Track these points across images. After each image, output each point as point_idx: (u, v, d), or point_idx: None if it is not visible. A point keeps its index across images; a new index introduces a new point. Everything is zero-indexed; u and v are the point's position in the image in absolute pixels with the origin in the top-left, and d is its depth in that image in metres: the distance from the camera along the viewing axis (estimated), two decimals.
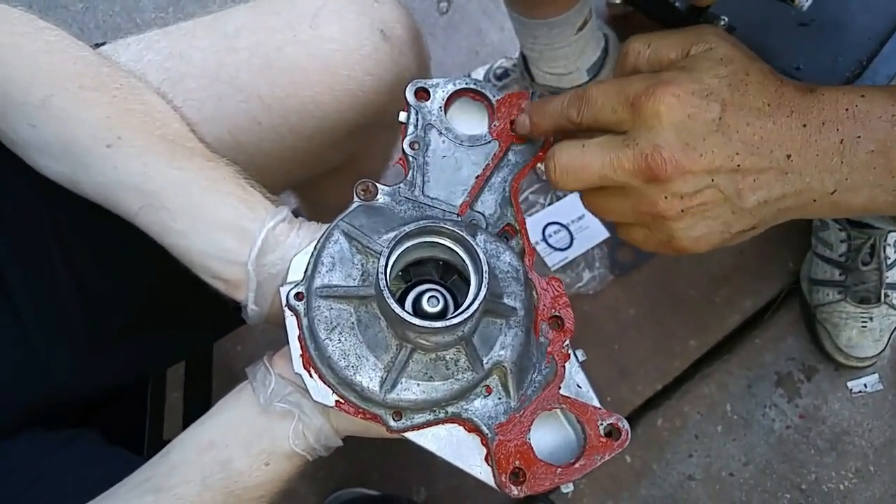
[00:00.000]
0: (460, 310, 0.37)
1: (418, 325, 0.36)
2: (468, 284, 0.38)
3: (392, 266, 0.39)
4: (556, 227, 1.09)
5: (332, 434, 0.43)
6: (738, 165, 0.36)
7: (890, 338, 1.01)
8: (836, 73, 0.55)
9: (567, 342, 0.41)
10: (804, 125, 0.36)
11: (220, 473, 0.42)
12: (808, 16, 0.43)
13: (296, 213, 0.47)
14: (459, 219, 0.44)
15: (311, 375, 0.40)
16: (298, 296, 0.40)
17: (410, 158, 0.45)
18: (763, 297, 1.08)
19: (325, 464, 1.01)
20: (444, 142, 0.45)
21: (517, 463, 0.39)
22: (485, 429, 0.39)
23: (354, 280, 0.40)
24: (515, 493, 0.38)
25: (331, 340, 0.39)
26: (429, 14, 1.22)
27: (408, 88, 0.45)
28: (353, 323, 0.39)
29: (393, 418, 0.39)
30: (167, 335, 0.60)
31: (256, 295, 0.44)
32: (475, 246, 0.38)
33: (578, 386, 0.41)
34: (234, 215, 0.44)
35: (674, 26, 0.42)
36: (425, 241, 0.39)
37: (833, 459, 1.02)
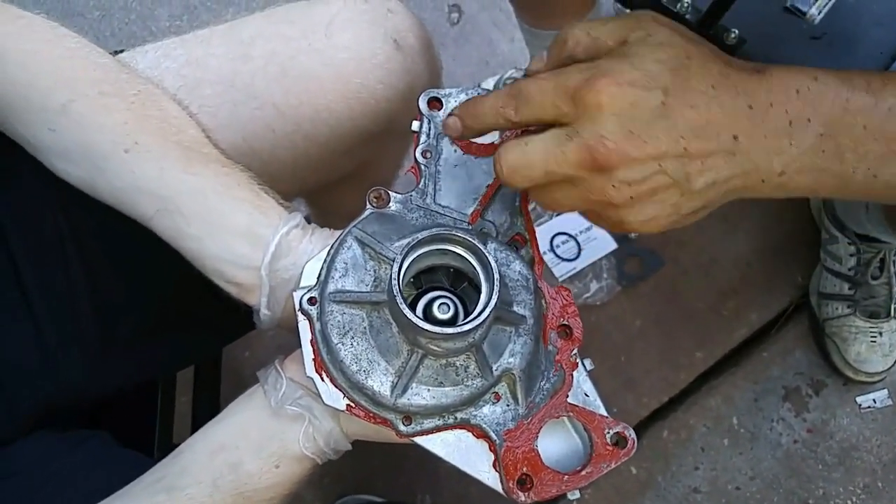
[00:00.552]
0: (472, 316, 0.37)
1: (430, 331, 0.37)
2: (478, 292, 0.39)
3: (404, 272, 0.39)
4: (563, 238, 1.10)
5: (342, 438, 0.44)
6: (685, 149, 0.36)
7: None
8: None
9: (575, 351, 0.42)
10: (750, 106, 0.36)
11: (230, 475, 0.42)
12: (820, 29, 0.43)
13: (308, 220, 0.47)
14: (470, 227, 0.44)
15: (322, 379, 0.41)
16: (311, 300, 0.41)
17: (422, 167, 0.45)
18: (771, 311, 1.07)
19: (331, 470, 1.02)
20: (455, 151, 0.46)
21: (524, 469, 0.39)
22: (493, 435, 0.40)
23: (367, 286, 0.41)
24: (523, 499, 0.39)
25: (343, 345, 0.40)
26: (440, 25, 1.23)
27: (420, 98, 0.46)
28: (365, 328, 0.40)
29: (403, 423, 0.40)
30: (178, 339, 0.61)
31: (269, 300, 0.45)
32: (486, 254, 0.38)
33: (586, 395, 0.41)
34: (247, 221, 0.45)
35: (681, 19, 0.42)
36: (437, 249, 0.40)
37: (841, 475, 1.01)
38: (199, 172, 0.46)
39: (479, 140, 0.46)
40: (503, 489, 0.39)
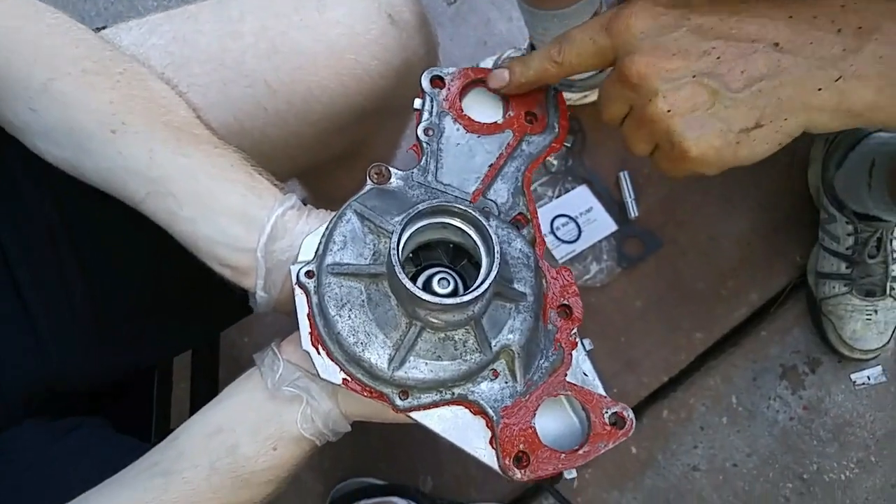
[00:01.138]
0: (472, 288, 0.37)
1: (430, 302, 0.37)
2: (478, 270, 0.39)
3: (404, 246, 0.39)
4: (564, 220, 1.10)
5: (341, 418, 0.43)
6: (718, 57, 0.36)
7: (894, 331, 1.01)
8: None
9: (575, 330, 0.42)
10: (790, 16, 0.36)
11: (227, 458, 0.42)
12: None
13: (304, 203, 0.47)
14: (472, 204, 0.44)
15: (319, 353, 0.40)
16: (309, 274, 0.41)
17: (424, 144, 0.45)
18: (770, 290, 1.08)
19: (332, 454, 1.02)
20: (458, 129, 0.46)
21: (521, 447, 0.39)
22: (490, 412, 0.40)
23: (366, 259, 0.41)
24: (518, 476, 0.39)
25: (340, 317, 0.39)
26: (437, 4, 1.22)
27: (423, 76, 0.46)
28: (363, 300, 0.40)
29: (399, 397, 0.40)
30: (173, 324, 0.60)
31: (265, 282, 0.44)
32: (487, 226, 0.38)
33: (585, 374, 0.41)
34: (242, 202, 0.44)
35: None
36: (437, 222, 0.40)
37: (835, 450, 1.02)
38: (190, 154, 0.44)
39: (482, 119, 0.46)
40: (499, 466, 0.39)
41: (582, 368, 0.41)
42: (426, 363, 0.39)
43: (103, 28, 0.55)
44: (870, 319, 0.99)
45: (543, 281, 0.43)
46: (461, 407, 0.40)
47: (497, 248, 0.37)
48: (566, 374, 0.41)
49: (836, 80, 0.35)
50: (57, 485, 0.46)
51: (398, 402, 0.40)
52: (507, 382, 0.40)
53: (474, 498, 1.00)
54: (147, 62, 0.49)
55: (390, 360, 0.39)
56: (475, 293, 0.37)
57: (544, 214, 1.09)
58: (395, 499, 0.92)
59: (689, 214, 1.10)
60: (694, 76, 0.37)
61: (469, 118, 0.46)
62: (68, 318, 0.53)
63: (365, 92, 0.56)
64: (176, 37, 0.53)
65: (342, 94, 0.55)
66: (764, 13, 0.36)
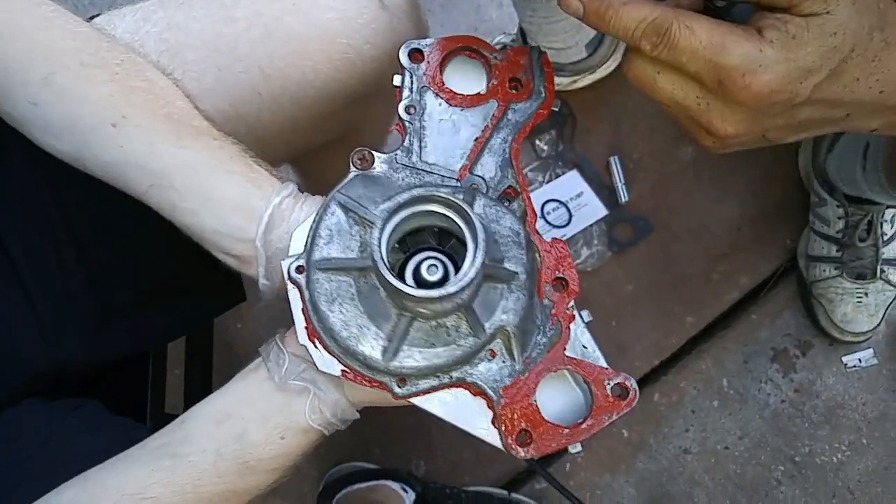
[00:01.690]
0: (456, 278, 0.37)
1: (415, 296, 0.37)
2: (466, 247, 0.38)
3: (388, 238, 0.39)
4: (554, 205, 1.09)
5: (349, 407, 0.44)
6: (802, 126, 0.37)
7: (885, 313, 1.01)
8: None
9: (572, 303, 0.41)
10: (881, 91, 0.36)
11: (234, 444, 0.42)
12: None
13: (300, 189, 0.47)
14: (458, 184, 0.43)
15: (316, 346, 0.40)
16: (299, 269, 0.41)
17: (407, 123, 0.44)
18: (760, 274, 1.08)
19: (327, 439, 1.02)
20: (440, 104, 0.44)
21: (523, 425, 0.39)
22: (490, 392, 0.39)
23: (353, 251, 0.41)
24: (522, 454, 0.39)
25: (332, 312, 0.39)
26: None
27: (401, 50, 0.45)
28: (353, 294, 0.40)
29: (398, 385, 0.40)
30: (170, 310, 0.61)
31: (266, 270, 0.45)
32: (469, 212, 0.37)
33: (584, 347, 0.41)
34: (241, 193, 0.45)
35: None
36: (420, 211, 0.39)
37: (827, 433, 1.03)
38: (190, 146, 0.45)
39: (464, 90, 0.45)
40: (502, 445, 0.39)
41: (581, 341, 0.41)
42: (420, 351, 0.39)
43: (97, 15, 0.54)
44: (860, 302, 0.99)
45: (536, 255, 0.42)
46: (461, 389, 0.40)
47: (481, 235, 0.37)
48: (565, 349, 0.40)
49: (872, 130, 0.38)
50: (61, 462, 0.47)
51: (397, 389, 0.40)
52: (504, 362, 0.40)
53: (467, 482, 1.00)
54: (142, 50, 0.50)
55: (384, 352, 0.39)
56: (460, 284, 0.36)
57: (535, 199, 1.09)
58: (387, 482, 0.92)
59: (679, 199, 1.10)
60: (764, 136, 0.38)
61: (451, 91, 0.45)
62: (69, 304, 0.54)
63: (357, 76, 0.56)
64: (170, 24, 0.53)
65: (335, 79, 0.56)
66: (864, 93, 0.36)
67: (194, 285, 0.60)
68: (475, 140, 0.44)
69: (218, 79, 0.53)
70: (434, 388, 0.40)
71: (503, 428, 0.39)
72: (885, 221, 0.99)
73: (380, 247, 0.37)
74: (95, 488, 0.43)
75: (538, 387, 0.40)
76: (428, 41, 0.45)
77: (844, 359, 1.05)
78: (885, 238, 0.99)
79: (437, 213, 0.39)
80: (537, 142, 1.11)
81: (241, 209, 0.44)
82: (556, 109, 0.51)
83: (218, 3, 0.55)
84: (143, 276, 0.58)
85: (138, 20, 0.54)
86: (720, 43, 0.34)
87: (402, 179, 0.43)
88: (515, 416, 0.39)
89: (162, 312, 0.60)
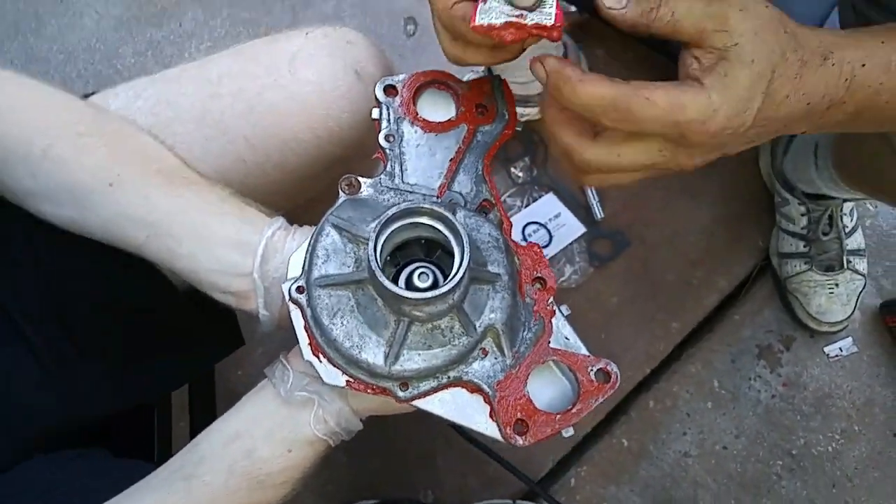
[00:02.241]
0: (448, 279, 0.40)
1: (411, 298, 0.40)
2: (452, 257, 0.41)
3: (381, 248, 0.42)
4: (534, 227, 1.14)
5: (352, 415, 0.46)
6: (751, 140, 0.41)
7: (857, 301, 1.06)
8: None
9: (551, 299, 0.45)
10: (808, 103, 0.40)
11: (244, 461, 0.44)
12: None
13: (289, 221, 0.50)
14: (439, 200, 0.47)
15: (320, 360, 0.43)
16: (300, 289, 0.43)
17: (388, 150, 0.48)
18: (737, 276, 1.12)
19: (333, 476, 1.02)
20: (416, 131, 0.49)
21: (519, 415, 0.42)
22: (485, 388, 0.42)
23: (349, 267, 0.43)
24: (521, 442, 0.41)
25: (334, 325, 0.42)
26: (397, 38, 1.27)
27: (377, 87, 0.49)
28: (352, 306, 0.42)
29: (400, 389, 0.42)
30: (171, 360, 0.62)
31: (265, 301, 0.47)
32: (453, 220, 0.41)
33: (566, 338, 0.44)
34: (235, 231, 0.48)
35: (633, 37, 0.46)
36: (409, 223, 0.42)
37: (819, 423, 1.06)
38: (182, 194, 0.48)
39: (436, 118, 0.49)
40: (502, 436, 0.42)
41: (563, 333, 0.44)
42: (419, 354, 0.42)
43: (92, 94, 0.58)
44: (832, 293, 1.04)
45: (515, 258, 0.45)
46: (459, 388, 0.43)
47: (465, 238, 0.40)
48: (549, 341, 0.44)
49: (803, 132, 0.43)
50: (76, 500, 0.48)
51: (400, 393, 0.42)
52: (496, 358, 0.43)
53: None
54: (134, 122, 0.53)
55: (386, 357, 0.42)
56: (451, 283, 0.39)
57: (515, 223, 1.12)
58: None
59: (653, 211, 1.14)
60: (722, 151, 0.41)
61: (424, 119, 0.49)
62: (74, 358, 0.56)
63: (336, 141, 0.60)
64: (160, 99, 0.57)
65: (315, 145, 0.59)
66: (796, 108, 0.40)
67: (195, 334, 0.62)
68: (450, 161, 0.48)
69: (205, 149, 0.57)
70: (434, 389, 0.43)
71: (501, 420, 0.42)
72: (845, 214, 1.04)
73: (376, 257, 0.40)
74: None
75: (528, 379, 0.43)
76: (400, 77, 0.50)
77: (826, 349, 1.08)
78: (847, 230, 1.04)
79: (423, 224, 0.42)
80: (512, 169, 1.16)
81: (236, 245, 0.47)
82: (520, 129, 0.56)
83: (205, 80, 0.58)
84: (144, 328, 0.59)
85: (130, 97, 0.57)
86: (678, 104, 0.38)
87: (388, 200, 0.46)
88: (511, 407, 0.42)
89: (164, 363, 0.62)
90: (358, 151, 0.62)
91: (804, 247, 1.05)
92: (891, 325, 1.07)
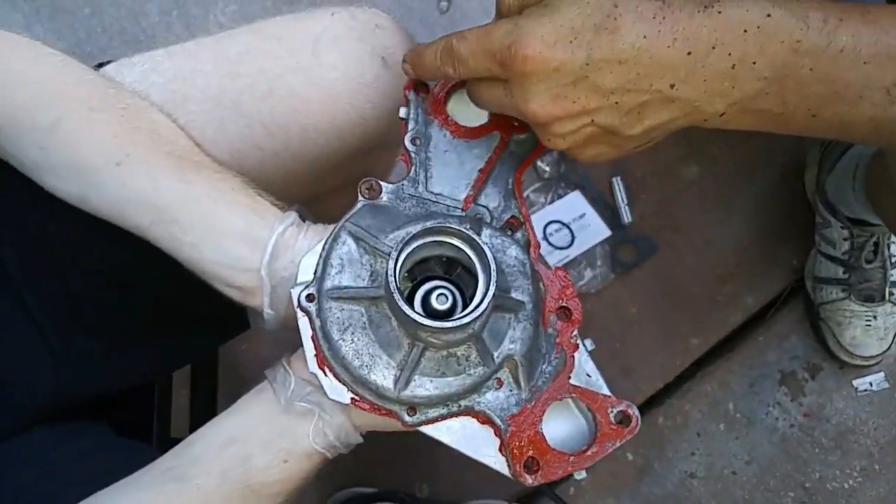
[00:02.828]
0: (469, 308, 0.37)
1: (430, 326, 0.37)
2: (473, 276, 0.39)
3: (400, 268, 0.39)
4: (557, 226, 1.09)
5: (353, 430, 0.44)
6: (616, 102, 0.36)
7: (895, 336, 1.00)
8: None
9: (575, 332, 0.42)
10: (689, 52, 0.35)
11: (239, 468, 0.43)
12: None
13: (302, 217, 0.48)
14: (464, 213, 0.44)
15: (325, 374, 0.41)
16: (310, 297, 0.41)
17: (412, 154, 0.45)
18: (766, 295, 1.08)
19: (328, 463, 1.01)
20: (445, 136, 0.45)
21: (530, 452, 0.39)
22: (497, 420, 0.40)
23: (364, 280, 0.41)
24: (530, 481, 0.39)
25: (344, 341, 0.40)
26: (429, 14, 1.22)
27: (407, 84, 0.46)
28: (364, 323, 0.40)
29: (407, 414, 0.40)
30: (177, 339, 0.61)
31: (271, 299, 0.45)
32: (482, 244, 0.38)
33: (588, 375, 0.41)
34: (244, 224, 0.45)
35: None
36: (432, 241, 0.39)
37: (838, 458, 1.02)
38: (192, 180, 0.46)
39: (468, 123, 0.46)
40: (510, 473, 0.40)
41: (585, 369, 0.41)
42: (431, 381, 0.39)
43: (108, 63, 0.56)
44: (869, 325, 0.98)
45: (541, 285, 0.42)
46: (469, 418, 0.41)
47: (493, 266, 0.37)
48: (570, 377, 0.41)
49: (721, 115, 0.37)
50: (72, 481, 0.47)
51: (406, 418, 0.40)
52: (511, 391, 0.40)
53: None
54: (148, 98, 0.51)
55: (396, 381, 0.39)
56: (473, 315, 0.37)
57: (537, 220, 1.09)
58: None
59: (684, 219, 1.10)
60: (592, 120, 0.38)
61: (455, 123, 0.46)
62: (77, 334, 0.55)
63: (359, 133, 0.57)
64: (176, 75, 0.54)
65: (336, 136, 0.56)
66: (660, 51, 0.35)
67: (200, 315, 0.60)
68: (479, 171, 0.45)
69: (220, 131, 0.54)
70: (443, 417, 0.40)
71: (511, 456, 0.39)
72: (893, 243, 0.99)
73: (395, 278, 0.37)
74: None
75: (544, 415, 0.40)
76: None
77: (855, 382, 1.04)
78: (894, 260, 0.99)
79: (447, 243, 0.39)
80: (539, 163, 1.11)
81: (245, 239, 0.45)
82: None
83: (224, 58, 0.55)
84: (150, 307, 0.58)
85: (146, 70, 0.55)
86: (484, 32, 0.38)
87: (409, 209, 0.43)
88: (522, 443, 0.39)
89: (168, 343, 0.60)
90: (379, 144, 0.59)
91: (843, 273, 0.99)
92: None
